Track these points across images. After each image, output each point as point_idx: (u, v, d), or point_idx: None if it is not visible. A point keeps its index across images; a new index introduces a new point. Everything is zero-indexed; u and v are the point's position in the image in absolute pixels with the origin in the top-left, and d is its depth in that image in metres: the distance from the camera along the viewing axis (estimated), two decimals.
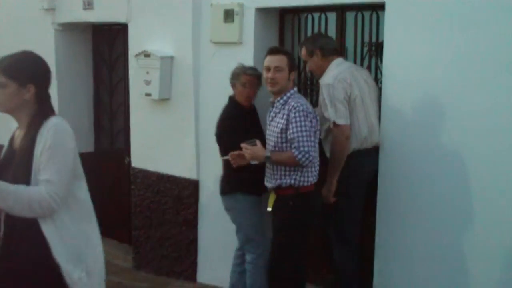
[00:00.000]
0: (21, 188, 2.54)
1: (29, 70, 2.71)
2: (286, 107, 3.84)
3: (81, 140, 6.39)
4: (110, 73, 6.33)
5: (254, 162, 3.90)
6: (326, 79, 4.07)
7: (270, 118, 3.98)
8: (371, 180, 4.14)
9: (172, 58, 5.15)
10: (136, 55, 5.31)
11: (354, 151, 4.03)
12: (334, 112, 3.95)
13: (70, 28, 6.30)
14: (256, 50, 4.68)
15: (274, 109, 3.96)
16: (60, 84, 6.18)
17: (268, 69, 3.88)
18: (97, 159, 6.44)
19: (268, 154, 3.81)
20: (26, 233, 2.64)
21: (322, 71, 4.17)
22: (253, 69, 4.47)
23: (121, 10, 5.57)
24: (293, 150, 3.70)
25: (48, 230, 2.63)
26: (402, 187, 4.01)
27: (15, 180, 2.55)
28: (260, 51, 4.55)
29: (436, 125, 3.83)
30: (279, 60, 3.87)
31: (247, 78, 4.37)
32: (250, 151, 3.81)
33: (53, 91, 6.21)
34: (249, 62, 4.58)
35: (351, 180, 4.06)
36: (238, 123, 4.33)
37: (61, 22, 6.24)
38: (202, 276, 5.28)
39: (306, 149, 3.69)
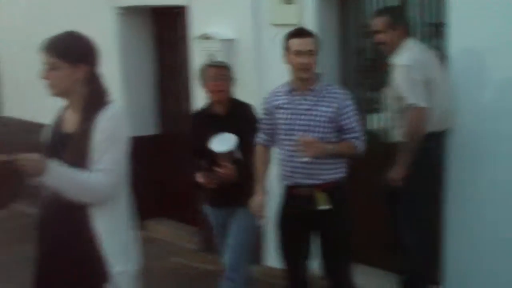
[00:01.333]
0: (78, 172, 2.59)
1: (78, 49, 2.72)
2: (332, 94, 3.69)
3: (146, 122, 6.67)
4: (172, 56, 6.52)
5: (305, 159, 3.59)
6: (403, 60, 3.99)
7: (305, 107, 3.69)
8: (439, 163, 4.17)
9: (232, 40, 5.27)
10: (197, 38, 5.46)
11: (428, 134, 4.00)
12: (414, 94, 3.91)
13: (130, 12, 6.51)
14: (319, 32, 4.71)
15: (308, 97, 3.70)
16: (123, 68, 6.45)
17: (299, 53, 3.63)
18: (162, 142, 6.68)
19: (331, 146, 3.63)
20: (73, 221, 2.68)
21: (393, 48, 4.11)
22: (219, 61, 4.45)
23: None
24: (353, 140, 3.68)
25: (99, 219, 2.67)
26: (473, 171, 4.02)
27: (68, 165, 2.59)
28: (320, 34, 4.59)
29: (510, 109, 3.81)
30: (311, 43, 3.67)
31: (213, 70, 4.18)
32: (310, 145, 3.53)
33: (116, 74, 6.55)
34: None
35: (425, 161, 4.03)
36: (196, 130, 4.32)
37: (122, 5, 6.45)
38: (268, 259, 5.42)
39: (363, 138, 3.72)
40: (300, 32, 3.73)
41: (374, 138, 4.59)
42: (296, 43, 3.66)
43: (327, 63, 4.83)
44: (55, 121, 2.85)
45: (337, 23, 4.85)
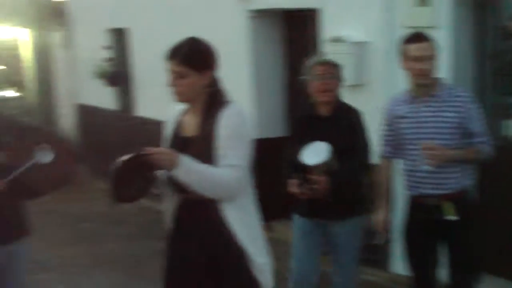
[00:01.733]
0: (208, 167, 2.69)
1: (204, 57, 2.81)
2: (455, 98, 3.57)
3: (275, 124, 6.87)
4: (301, 59, 6.66)
5: (429, 168, 3.48)
6: None
7: (429, 114, 3.59)
8: None
9: (364, 43, 5.35)
10: (329, 40, 5.59)
11: None
12: None
13: (263, 15, 6.73)
14: (453, 35, 4.70)
15: (431, 104, 3.60)
16: (254, 70, 6.70)
17: (417, 58, 3.51)
18: None
19: (457, 152, 3.49)
20: (207, 217, 2.79)
21: None
22: (327, 58, 4.10)
23: None
24: (480, 144, 3.57)
25: (230, 213, 2.78)
26: None
27: None
28: (455, 36, 4.57)
29: None
30: (429, 48, 3.54)
31: (321, 68, 3.90)
32: (435, 153, 3.42)
33: (246, 77, 6.80)
34: (446, 48, 4.54)
35: None
36: (295, 133, 4.11)
37: (254, 9, 6.69)
38: (395, 265, 5.39)
39: (491, 142, 3.62)
40: (417, 37, 3.59)
41: (510, 145, 4.51)
42: (413, 48, 3.54)
43: (461, 66, 4.80)
44: (174, 124, 2.94)
45: (473, 25, 4.80)
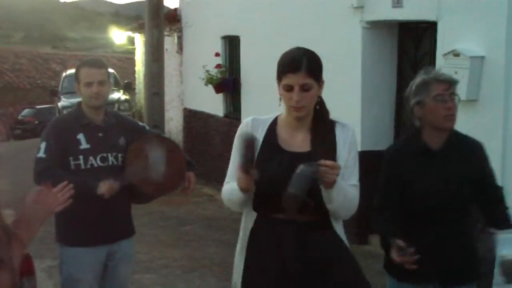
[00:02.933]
0: (348, 186, 2.67)
1: (321, 68, 2.74)
2: None
3: (382, 137, 6.88)
4: (414, 71, 6.65)
5: None
6: None
7: None
8: None
9: (482, 58, 5.28)
10: (445, 54, 5.56)
11: None
12: None
13: (377, 26, 6.77)
14: None
15: None
16: (365, 81, 6.76)
17: None
18: None
19: None
20: (329, 238, 2.77)
21: None
22: (447, 75, 3.13)
23: (431, 7, 5.85)
24: None
25: (339, 230, 2.81)
26: None
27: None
28: None
29: None
30: None
31: (443, 86, 3.00)
32: None
33: (357, 87, 6.85)
34: None
35: None
36: (395, 171, 3.15)
37: (369, 20, 6.74)
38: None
39: None
40: None
41: None
42: None
43: None
44: (269, 137, 2.78)
45: None
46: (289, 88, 2.63)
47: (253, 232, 2.80)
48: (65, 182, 2.54)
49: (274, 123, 2.82)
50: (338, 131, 2.76)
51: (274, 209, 2.66)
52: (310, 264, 2.69)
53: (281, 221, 2.69)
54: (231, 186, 2.76)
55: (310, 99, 2.67)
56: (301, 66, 2.62)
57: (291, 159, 2.66)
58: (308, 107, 2.68)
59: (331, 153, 2.69)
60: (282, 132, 2.78)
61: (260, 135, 2.77)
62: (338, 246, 2.80)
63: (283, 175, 2.54)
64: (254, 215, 2.79)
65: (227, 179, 2.87)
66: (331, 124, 2.79)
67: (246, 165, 2.58)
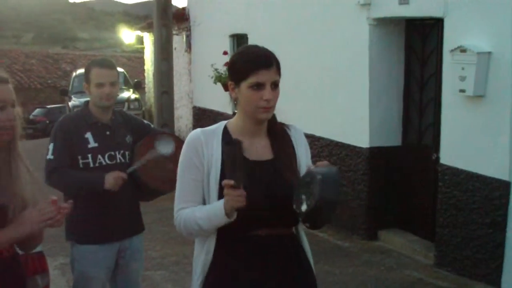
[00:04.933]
0: None
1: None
2: None
3: (390, 133, 6.90)
4: (421, 68, 6.66)
5: None
6: None
7: None
8: None
9: (489, 53, 5.28)
10: (452, 51, 5.56)
11: None
12: None
13: (384, 23, 6.77)
14: None
15: None
16: (372, 78, 6.77)
17: None
18: (404, 154, 6.86)
19: None
20: (294, 250, 2.60)
21: None
22: None
23: (437, 4, 5.84)
24: None
25: (304, 242, 2.68)
26: None
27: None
28: None
29: None
30: None
31: None
32: None
33: (365, 84, 6.88)
34: None
35: None
36: None
37: (376, 17, 6.74)
38: (507, 282, 5.29)
39: None
40: None
41: None
42: None
43: None
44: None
45: None
46: (258, 87, 2.39)
47: (219, 257, 2.48)
48: (70, 202, 2.45)
49: (226, 132, 2.53)
50: (292, 134, 2.61)
51: (250, 226, 2.43)
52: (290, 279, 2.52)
53: (258, 238, 2.45)
54: (199, 213, 2.42)
55: (277, 98, 2.45)
56: (273, 61, 2.43)
57: (257, 169, 2.44)
58: (274, 108, 2.47)
59: (294, 157, 2.56)
60: (249, 137, 2.52)
61: (216, 148, 2.48)
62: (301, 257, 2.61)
63: (254, 188, 2.35)
64: (213, 239, 2.48)
65: (180, 204, 2.51)
66: (282, 127, 2.61)
67: (239, 179, 2.28)
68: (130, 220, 3.87)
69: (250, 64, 2.41)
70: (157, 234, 7.30)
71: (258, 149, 2.52)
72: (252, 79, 2.39)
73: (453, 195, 5.79)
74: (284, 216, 2.46)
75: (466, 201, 5.65)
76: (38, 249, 3.27)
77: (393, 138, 6.92)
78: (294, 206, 2.40)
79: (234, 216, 2.34)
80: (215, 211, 2.36)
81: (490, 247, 5.43)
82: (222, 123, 2.58)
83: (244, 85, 2.41)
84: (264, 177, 2.45)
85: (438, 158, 6.04)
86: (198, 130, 2.54)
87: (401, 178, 6.82)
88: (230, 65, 2.51)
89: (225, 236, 2.45)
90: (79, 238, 3.71)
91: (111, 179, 3.57)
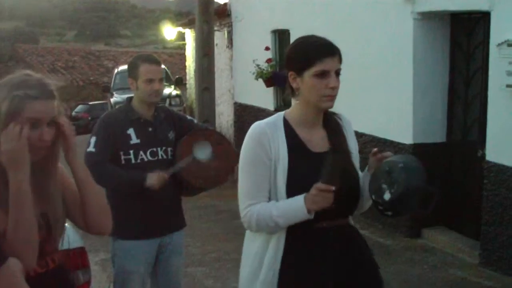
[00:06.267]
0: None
1: None
2: None
3: (434, 130, 6.83)
4: (467, 63, 6.58)
5: None
6: None
7: None
8: None
9: None
10: (498, 45, 5.48)
11: None
12: None
13: (429, 17, 6.70)
14: None
15: None
16: (416, 72, 6.71)
17: None
18: (449, 150, 6.79)
19: None
20: (358, 241, 2.67)
21: None
22: None
23: None
24: None
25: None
26: None
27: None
28: None
29: None
30: None
31: None
32: None
33: (409, 79, 6.82)
34: None
35: None
36: None
37: (420, 11, 6.67)
38: None
39: None
40: None
41: None
42: None
43: None
44: (291, 140, 2.52)
45: None
46: (323, 75, 2.40)
47: (289, 252, 2.50)
48: None
49: (286, 124, 2.55)
50: (343, 124, 2.65)
51: (317, 219, 2.44)
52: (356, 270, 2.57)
53: (325, 230, 2.50)
54: (276, 211, 2.43)
55: (339, 86, 2.46)
56: (335, 49, 2.46)
57: (320, 161, 2.42)
58: (336, 96, 2.48)
59: (348, 150, 2.59)
60: (300, 132, 2.54)
61: (281, 141, 2.49)
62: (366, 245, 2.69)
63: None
64: (282, 235, 2.50)
65: (248, 200, 2.51)
66: (334, 116, 2.64)
67: (336, 184, 2.32)
68: (171, 216, 3.91)
69: (315, 52, 2.43)
70: (197, 231, 7.37)
71: (318, 140, 2.55)
72: (317, 67, 2.40)
73: (499, 192, 5.71)
74: (345, 207, 2.51)
75: None
76: (79, 244, 3.35)
77: (437, 135, 6.84)
78: (373, 197, 2.46)
79: (314, 213, 2.39)
80: (295, 210, 2.40)
81: None
82: (280, 115, 2.60)
83: (308, 73, 2.43)
84: (319, 169, 2.43)
85: (483, 155, 5.95)
86: (262, 123, 2.55)
87: (446, 175, 6.74)
88: (291, 55, 2.52)
89: (293, 230, 2.48)
90: (120, 233, 3.72)
91: (154, 179, 3.61)
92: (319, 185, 2.33)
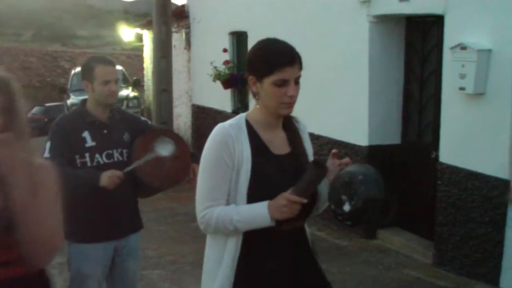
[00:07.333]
0: None
1: None
2: None
3: (389, 131, 6.90)
4: (422, 65, 6.66)
5: None
6: None
7: None
8: None
9: (489, 51, 5.27)
10: (452, 48, 5.55)
11: None
12: None
13: (384, 20, 6.76)
14: None
15: None
16: (372, 75, 6.76)
17: None
18: (404, 152, 6.86)
19: None
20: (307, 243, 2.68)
21: None
22: None
23: (438, 1, 5.84)
24: None
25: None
26: None
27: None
28: None
29: None
30: None
31: None
32: None
33: (365, 81, 6.88)
34: None
35: None
36: None
37: (376, 14, 6.73)
38: (506, 281, 5.30)
39: None
40: None
41: None
42: None
43: None
44: (254, 141, 2.50)
45: None
46: (282, 83, 2.38)
47: (246, 254, 2.48)
48: None
49: (248, 125, 2.53)
50: (300, 127, 2.65)
51: (277, 222, 2.41)
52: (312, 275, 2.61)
53: (282, 234, 2.48)
54: (237, 216, 2.40)
55: (298, 93, 2.46)
56: (296, 57, 2.43)
57: (281, 163, 2.49)
58: (295, 103, 2.48)
59: (304, 152, 2.60)
60: (262, 134, 2.53)
61: (245, 144, 2.47)
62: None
63: (285, 184, 2.38)
64: (239, 238, 2.47)
65: (208, 201, 2.47)
66: (293, 120, 2.64)
67: (307, 196, 2.33)
68: (128, 218, 3.86)
69: (276, 60, 2.40)
70: (154, 234, 7.30)
71: (279, 142, 2.56)
72: (276, 76, 2.39)
73: (452, 193, 5.78)
74: (304, 210, 2.46)
75: (465, 200, 5.64)
76: None
77: (392, 136, 6.91)
78: (333, 206, 2.43)
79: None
80: (257, 216, 2.39)
81: (489, 246, 5.43)
82: (242, 117, 2.57)
83: (267, 81, 2.41)
84: (289, 171, 2.47)
85: (437, 157, 6.03)
86: (226, 125, 2.51)
87: (400, 177, 6.81)
88: (251, 60, 2.49)
89: (251, 234, 2.44)
90: (75, 237, 3.66)
91: (106, 177, 3.55)
92: (291, 197, 2.31)
